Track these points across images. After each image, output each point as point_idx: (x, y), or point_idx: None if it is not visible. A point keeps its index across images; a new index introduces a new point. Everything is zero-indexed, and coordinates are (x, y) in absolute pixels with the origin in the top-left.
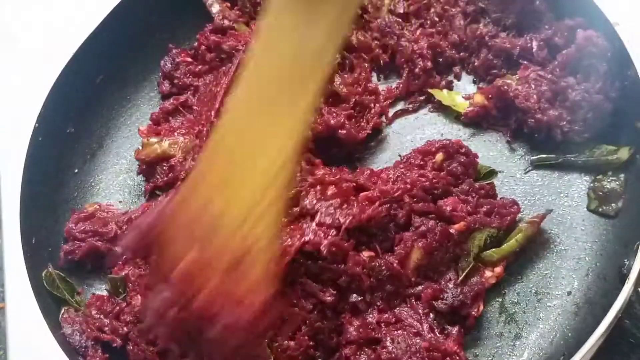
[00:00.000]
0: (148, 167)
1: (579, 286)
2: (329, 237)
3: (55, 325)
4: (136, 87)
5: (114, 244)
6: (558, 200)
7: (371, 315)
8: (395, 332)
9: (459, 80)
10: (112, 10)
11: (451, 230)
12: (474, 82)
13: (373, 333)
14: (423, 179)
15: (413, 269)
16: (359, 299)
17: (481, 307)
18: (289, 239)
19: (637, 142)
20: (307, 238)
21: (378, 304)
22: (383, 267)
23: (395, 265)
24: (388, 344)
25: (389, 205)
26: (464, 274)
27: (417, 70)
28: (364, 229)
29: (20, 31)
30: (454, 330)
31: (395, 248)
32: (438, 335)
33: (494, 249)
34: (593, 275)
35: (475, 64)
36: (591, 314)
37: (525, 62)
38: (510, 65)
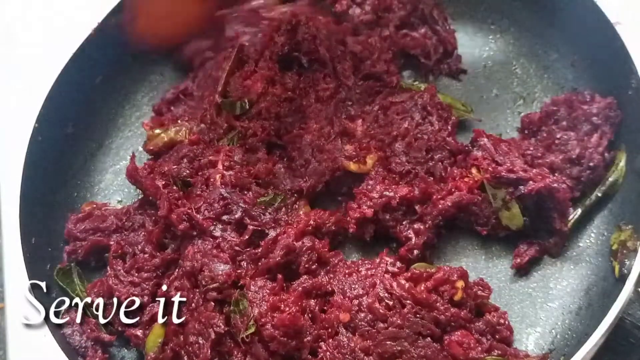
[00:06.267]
0: (156, 158)
1: (579, 286)
2: None
3: (55, 326)
4: (135, 87)
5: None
6: None
7: None
8: None
9: None
10: (112, 10)
11: None
12: None
13: None
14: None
15: None
16: None
17: None
18: None
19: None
20: None
21: None
22: None
23: None
24: None
25: None
26: None
27: None
28: None
29: (20, 31)
30: None
31: None
32: None
33: None
34: (593, 276)
35: None
36: (591, 314)
37: None
38: None
